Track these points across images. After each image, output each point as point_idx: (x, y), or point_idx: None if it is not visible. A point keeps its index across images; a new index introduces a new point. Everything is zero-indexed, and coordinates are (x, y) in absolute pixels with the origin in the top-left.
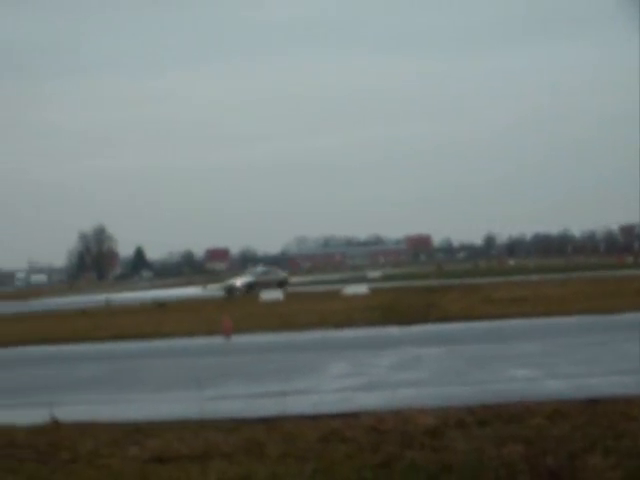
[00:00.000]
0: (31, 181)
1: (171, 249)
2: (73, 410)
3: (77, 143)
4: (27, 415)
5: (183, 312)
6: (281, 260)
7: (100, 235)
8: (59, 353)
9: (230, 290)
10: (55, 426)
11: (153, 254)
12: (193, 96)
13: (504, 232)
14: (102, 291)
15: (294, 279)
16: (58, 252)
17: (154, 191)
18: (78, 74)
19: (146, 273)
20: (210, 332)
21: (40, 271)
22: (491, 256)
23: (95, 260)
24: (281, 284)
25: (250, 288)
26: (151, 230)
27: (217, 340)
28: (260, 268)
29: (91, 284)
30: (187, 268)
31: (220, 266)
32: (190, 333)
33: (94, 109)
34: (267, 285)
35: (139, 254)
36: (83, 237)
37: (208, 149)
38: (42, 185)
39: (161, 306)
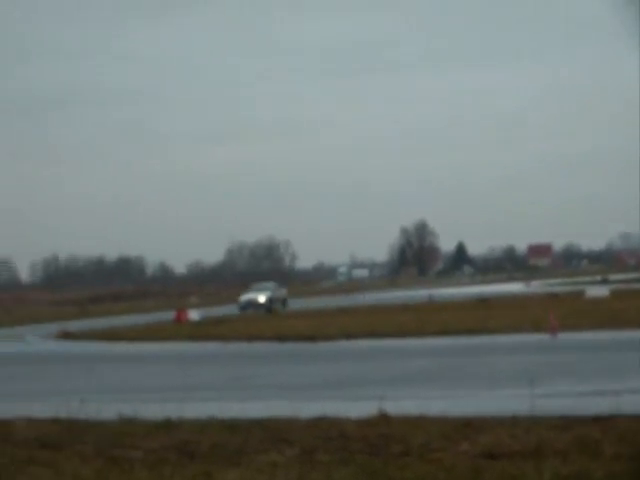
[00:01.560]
0: (355, 178)
1: (492, 244)
2: (401, 404)
3: (395, 140)
4: (356, 407)
5: (506, 308)
6: (605, 256)
7: (422, 230)
8: (385, 347)
9: (248, 306)
10: (384, 419)
11: (474, 249)
12: (505, 91)
13: None
14: (423, 286)
15: (619, 276)
16: (379, 247)
17: (475, 187)
18: (392, 71)
19: (467, 269)
20: (535, 329)
21: (361, 266)
22: None
23: (416, 255)
24: (284, 301)
25: (271, 303)
26: (473, 225)
27: (542, 337)
28: (270, 284)
29: (412, 279)
30: (508, 264)
31: (542, 262)
32: (515, 330)
33: (410, 106)
34: (277, 301)
35: (460, 249)
36: (405, 232)
37: (526, 143)
38: (366, 182)
39: (484, 302)
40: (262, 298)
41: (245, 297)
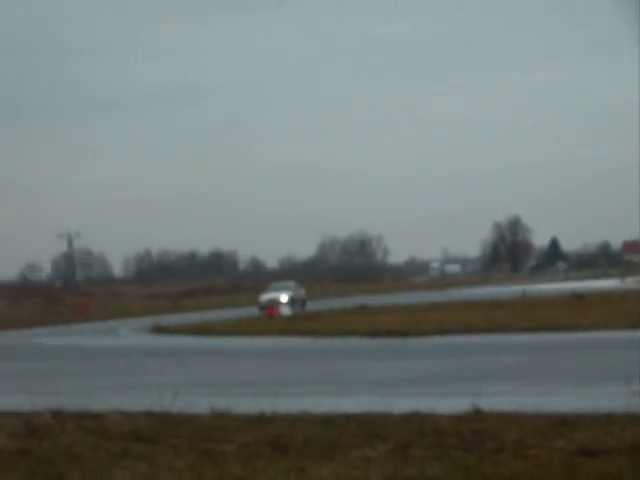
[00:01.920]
0: (449, 173)
1: (587, 240)
2: (494, 400)
3: (489, 136)
4: (449, 403)
5: (602, 305)
6: None
7: (515, 226)
8: (479, 343)
9: (269, 306)
10: (478, 415)
11: (568, 245)
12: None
13: None
14: (515, 282)
15: None
16: (472, 243)
17: (569, 182)
18: (476, 70)
19: (561, 264)
20: (630, 326)
21: (454, 261)
22: None
23: (509, 251)
24: (304, 302)
25: (292, 303)
26: (567, 220)
27: (638, 334)
28: (290, 283)
29: (504, 275)
30: (603, 260)
31: (638, 258)
32: (610, 326)
33: (504, 102)
34: (297, 302)
35: (554, 245)
36: (498, 227)
37: (620, 138)
38: (459, 177)
39: (579, 298)
40: (284, 298)
41: (266, 297)
